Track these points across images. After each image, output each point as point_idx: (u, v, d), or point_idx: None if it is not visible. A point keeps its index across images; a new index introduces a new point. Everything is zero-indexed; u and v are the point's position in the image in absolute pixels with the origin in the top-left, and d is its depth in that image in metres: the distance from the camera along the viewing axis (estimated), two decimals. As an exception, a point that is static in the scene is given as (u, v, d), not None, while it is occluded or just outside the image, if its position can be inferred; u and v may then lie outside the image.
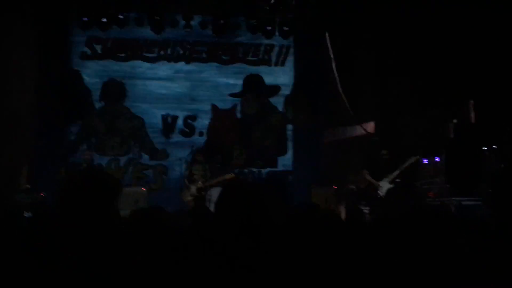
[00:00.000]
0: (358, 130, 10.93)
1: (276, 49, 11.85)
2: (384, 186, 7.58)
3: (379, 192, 7.59)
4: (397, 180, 7.60)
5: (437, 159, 8.41)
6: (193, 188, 9.20)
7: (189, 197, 9.18)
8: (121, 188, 1.99)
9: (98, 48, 11.15)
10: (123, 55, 11.18)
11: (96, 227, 1.83)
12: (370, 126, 10.65)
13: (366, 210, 8.90)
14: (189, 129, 11.46)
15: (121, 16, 10.67)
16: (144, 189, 10.13)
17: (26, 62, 9.94)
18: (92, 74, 11.11)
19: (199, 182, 9.21)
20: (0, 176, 8.64)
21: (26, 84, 9.73)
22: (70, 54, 10.90)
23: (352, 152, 10.13)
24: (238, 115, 11.71)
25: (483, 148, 7.18)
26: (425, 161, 8.49)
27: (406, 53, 9.07)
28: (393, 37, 9.34)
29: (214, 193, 8.71)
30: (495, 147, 7.13)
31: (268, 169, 10.86)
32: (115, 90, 11.13)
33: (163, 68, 11.43)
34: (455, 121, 8.73)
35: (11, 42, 9.21)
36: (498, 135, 7.19)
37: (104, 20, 10.57)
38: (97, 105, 11.11)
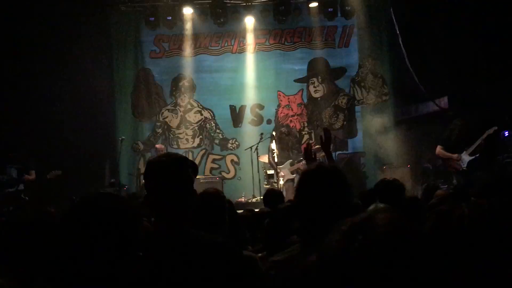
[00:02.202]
0: (431, 106, 10.54)
1: (339, 31, 11.67)
2: (465, 158, 7.27)
3: (460, 164, 7.29)
4: (476, 153, 7.26)
5: (519, 131, 7.95)
6: (287, 168, 9.29)
7: (287, 177, 9.27)
8: (197, 169, 2.09)
9: (166, 45, 11.57)
10: (189, 50, 11.51)
11: (177, 210, 1.91)
12: (444, 101, 10.23)
13: (444, 187, 8.62)
14: (257, 118, 11.62)
15: (184, 13, 11.00)
16: (218, 178, 10.47)
17: (102, 64, 10.51)
18: (162, 71, 11.55)
19: (289, 163, 9.30)
20: (87, 172, 9.22)
21: (101, 86, 10.28)
22: (141, 54, 11.40)
23: (426, 130, 9.79)
24: (305, 100, 11.69)
25: None
26: (506, 133, 8.05)
27: (475, 22, 8.59)
28: (461, 6, 8.87)
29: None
30: None
31: (338, 152, 10.76)
32: (184, 85, 11.52)
33: (228, 60, 11.64)
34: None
35: (86, 46, 9.78)
36: None
37: (169, 18, 10.94)
38: (168, 100, 11.55)
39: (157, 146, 10.11)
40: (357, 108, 11.63)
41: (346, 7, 11.06)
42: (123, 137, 9.78)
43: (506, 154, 7.99)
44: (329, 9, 11.18)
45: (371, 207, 2.77)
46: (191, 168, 2.02)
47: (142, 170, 9.77)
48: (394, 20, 10.58)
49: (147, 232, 1.91)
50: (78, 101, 9.65)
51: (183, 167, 1.97)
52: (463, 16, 8.74)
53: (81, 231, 1.47)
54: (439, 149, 7.60)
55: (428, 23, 9.38)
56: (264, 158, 9.92)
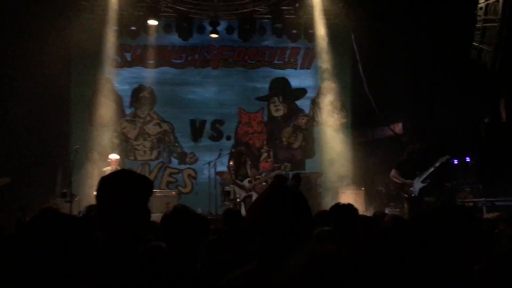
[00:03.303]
0: (386, 131, 10.86)
1: (302, 52, 11.90)
2: (417, 185, 7.54)
3: (412, 189, 7.54)
4: (428, 180, 7.54)
5: (468, 159, 8.30)
6: (245, 185, 9.27)
7: (244, 194, 9.23)
8: (152, 188, 2.05)
9: (128, 55, 11.42)
10: (152, 61, 11.41)
11: (132, 225, 1.88)
12: (399, 127, 10.57)
13: (396, 211, 8.86)
14: (217, 133, 11.61)
15: (149, 24, 10.92)
16: (174, 193, 10.34)
17: (60, 70, 10.24)
18: (123, 81, 11.38)
19: (247, 181, 9.29)
20: (38, 181, 8.90)
21: (57, 93, 10.00)
22: (102, 62, 11.18)
23: (381, 154, 10.07)
24: (265, 118, 11.79)
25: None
26: (455, 161, 8.39)
27: (435, 53, 8.98)
28: (421, 38, 9.26)
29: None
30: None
31: (296, 172, 10.87)
32: (144, 96, 11.38)
33: (191, 74, 11.62)
34: (486, 120, 8.60)
35: (44, 50, 9.50)
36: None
37: (133, 28, 10.84)
38: (128, 111, 11.36)
39: (111, 157, 9.73)
40: (316, 129, 11.83)
41: (310, 30, 11.31)
42: (77, 146, 9.51)
43: (455, 182, 8.31)
44: (293, 31, 11.40)
45: (317, 230, 2.86)
46: (146, 186, 1.98)
47: (96, 180, 9.49)
48: (355, 46, 10.89)
49: (95, 248, 1.86)
50: (32, 107, 9.34)
51: (136, 186, 1.94)
52: (422, 46, 9.11)
53: (26, 253, 1.43)
54: (394, 173, 7.82)
55: (387, 51, 9.71)
56: (224, 175, 9.90)
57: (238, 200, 9.28)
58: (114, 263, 1.76)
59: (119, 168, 9.09)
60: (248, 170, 9.47)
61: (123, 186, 1.91)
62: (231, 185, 9.54)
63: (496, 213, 3.95)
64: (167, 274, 1.80)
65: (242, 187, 9.29)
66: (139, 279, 1.73)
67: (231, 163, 9.57)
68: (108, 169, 8.53)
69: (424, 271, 1.33)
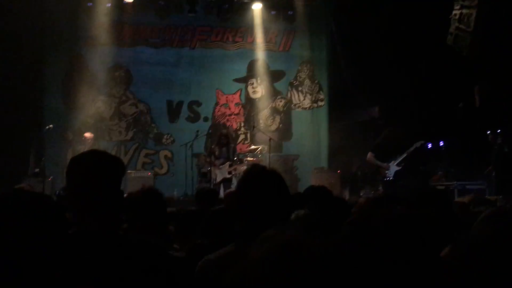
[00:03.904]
0: (363, 115, 10.96)
1: (280, 34, 11.82)
2: (392, 168, 7.66)
3: (387, 173, 7.66)
4: (403, 163, 7.66)
5: (441, 144, 8.45)
6: (225, 168, 9.25)
7: (220, 178, 9.23)
8: (124, 169, 2.00)
9: (103, 33, 11.14)
10: (127, 40, 11.18)
11: (102, 208, 1.84)
12: (375, 111, 10.67)
13: (369, 194, 9.00)
14: (194, 114, 11.51)
15: (125, 1, 10.66)
16: (150, 174, 10.26)
17: (33, 47, 9.95)
18: (98, 59, 11.11)
19: (228, 165, 9.28)
20: (9, 161, 8.71)
21: (29, 71, 9.73)
22: (76, 40, 10.90)
23: (357, 137, 10.17)
24: (243, 100, 11.74)
25: (488, 132, 7.20)
26: (430, 145, 8.54)
27: (412, 38, 9.04)
28: (399, 22, 9.30)
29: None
30: (499, 131, 7.15)
31: (273, 154, 10.90)
32: (120, 75, 11.17)
33: (168, 54, 11.43)
34: (460, 105, 8.75)
35: (16, 25, 9.19)
36: (503, 119, 7.20)
37: (109, 5, 10.57)
38: (103, 90, 11.14)
39: (86, 135, 9.63)
40: (293, 111, 11.84)
41: (289, 12, 11.24)
42: (51, 125, 9.32)
43: (429, 165, 8.48)
44: (272, 12, 11.31)
45: (293, 215, 2.86)
46: (117, 167, 1.94)
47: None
48: (335, 29, 10.88)
49: (69, 233, 1.82)
50: (3, 86, 9.07)
51: (108, 165, 1.90)
52: (400, 31, 9.16)
53: None
54: (370, 156, 7.93)
55: (366, 35, 9.73)
56: (201, 156, 9.86)
57: (215, 182, 9.27)
58: (84, 247, 1.72)
59: (93, 147, 8.99)
60: (231, 154, 9.46)
61: (94, 167, 1.86)
62: (208, 167, 9.52)
63: (468, 196, 4.03)
64: (142, 259, 1.78)
65: (221, 170, 9.28)
66: (111, 265, 1.71)
67: (212, 146, 9.53)
68: (81, 148, 8.42)
69: (393, 256, 1.33)
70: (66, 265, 1.60)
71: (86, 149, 8.04)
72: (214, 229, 2.87)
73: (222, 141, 9.53)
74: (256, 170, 2.01)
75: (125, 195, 2.28)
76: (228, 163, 9.35)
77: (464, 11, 8.34)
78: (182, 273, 2.18)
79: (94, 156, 1.91)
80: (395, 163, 7.66)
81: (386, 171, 7.71)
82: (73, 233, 1.80)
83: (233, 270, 1.04)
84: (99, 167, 1.84)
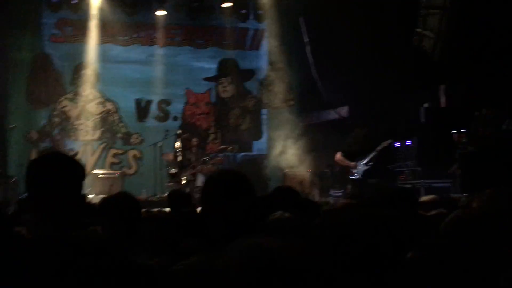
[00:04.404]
0: (332, 115, 11.05)
1: (250, 33, 11.80)
2: (361, 167, 7.76)
3: (355, 172, 7.76)
4: (371, 163, 7.77)
5: (408, 143, 8.59)
6: (189, 171, 9.15)
7: (184, 180, 9.13)
8: (85, 173, 1.95)
9: (69, 30, 10.88)
10: (94, 37, 10.92)
11: (62, 212, 1.79)
12: (344, 111, 10.77)
13: (338, 193, 9.09)
14: (163, 114, 11.37)
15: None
16: (118, 174, 10.08)
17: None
18: (63, 57, 10.84)
19: (191, 167, 9.19)
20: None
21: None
22: (40, 37, 10.60)
23: (326, 136, 10.25)
24: (213, 99, 11.67)
25: (453, 131, 7.36)
26: (397, 144, 8.67)
27: (380, 39, 9.17)
28: (367, 23, 9.41)
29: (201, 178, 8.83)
30: (464, 130, 7.32)
31: (243, 153, 10.88)
32: (87, 73, 10.91)
33: (137, 52, 11.26)
34: (426, 105, 8.92)
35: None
36: (468, 119, 7.38)
37: (75, 1, 10.33)
38: (69, 89, 10.87)
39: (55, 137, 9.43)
40: (263, 111, 11.85)
41: (259, 11, 11.23)
42: (14, 124, 9.04)
43: (396, 164, 8.61)
44: (242, 11, 11.29)
45: (277, 215, 2.81)
46: (77, 170, 1.88)
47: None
48: (304, 28, 10.93)
49: (27, 239, 1.76)
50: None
51: (67, 169, 1.84)
52: (368, 31, 9.27)
53: None
54: (339, 155, 8.00)
55: (335, 35, 9.81)
56: (169, 156, 9.74)
57: (183, 182, 9.18)
58: (36, 252, 1.66)
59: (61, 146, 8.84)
60: (192, 157, 9.36)
61: (52, 171, 1.80)
62: (175, 168, 9.42)
63: (432, 196, 4.10)
64: (104, 265, 1.72)
65: (188, 170, 9.21)
66: (67, 271, 1.65)
67: (177, 145, 9.42)
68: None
69: (361, 257, 1.33)
70: (15, 270, 1.55)
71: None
72: (189, 235, 2.83)
73: (186, 144, 9.48)
74: (216, 175, 1.99)
75: (99, 197, 2.22)
76: (191, 166, 9.26)
77: (430, 11, 8.52)
78: (145, 282, 2.13)
79: (54, 159, 1.85)
80: (364, 162, 7.76)
81: (355, 170, 7.80)
82: (31, 237, 1.74)
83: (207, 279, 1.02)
84: (58, 171, 1.78)
